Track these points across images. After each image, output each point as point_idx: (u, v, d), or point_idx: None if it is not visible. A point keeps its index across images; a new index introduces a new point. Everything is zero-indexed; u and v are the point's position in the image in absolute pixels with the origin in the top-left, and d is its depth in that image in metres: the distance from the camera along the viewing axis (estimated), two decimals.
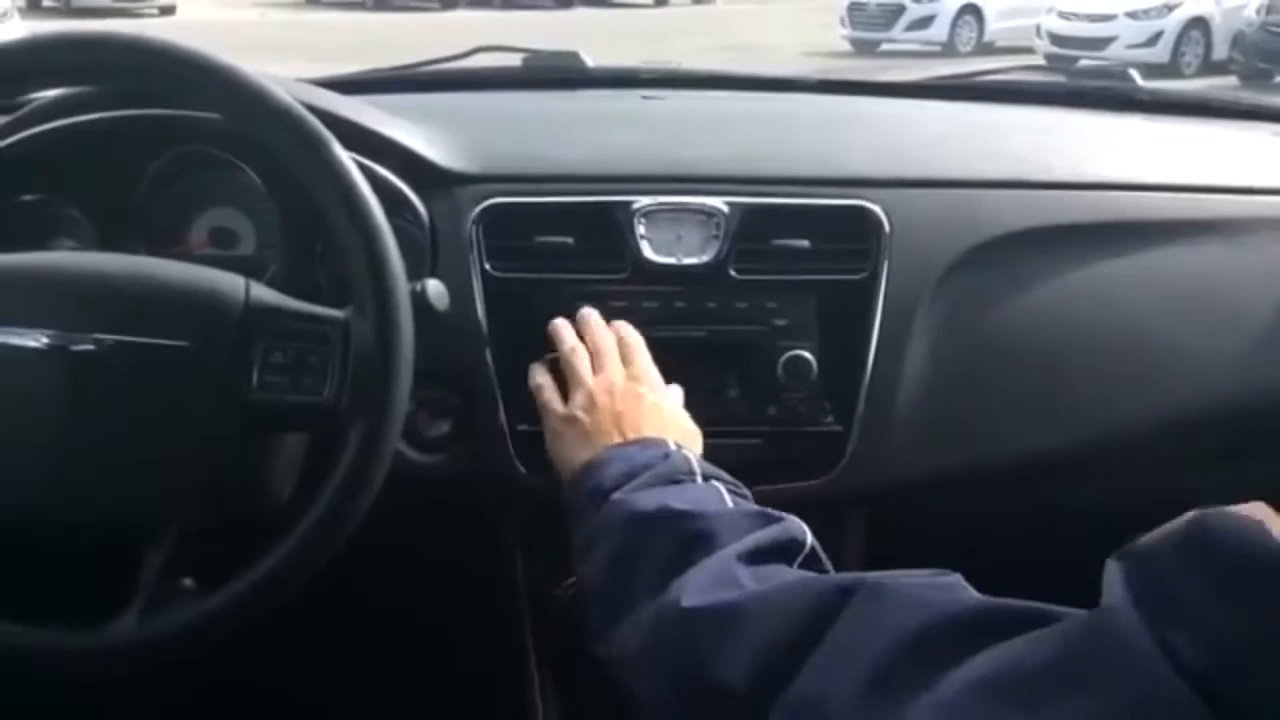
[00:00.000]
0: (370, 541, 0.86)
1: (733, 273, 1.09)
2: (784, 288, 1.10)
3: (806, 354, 1.07)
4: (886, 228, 1.10)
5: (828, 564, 0.75)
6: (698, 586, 0.70)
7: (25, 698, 1.05)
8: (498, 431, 1.09)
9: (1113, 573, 0.50)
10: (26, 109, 1.10)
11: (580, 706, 1.22)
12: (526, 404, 1.09)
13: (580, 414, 0.95)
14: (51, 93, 1.10)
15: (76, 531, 0.91)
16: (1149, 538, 0.51)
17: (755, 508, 0.81)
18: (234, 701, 1.37)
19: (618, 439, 0.91)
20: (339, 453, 0.86)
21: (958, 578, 0.64)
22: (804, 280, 1.10)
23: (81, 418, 0.86)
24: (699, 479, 0.84)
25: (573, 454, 0.94)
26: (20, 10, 12.22)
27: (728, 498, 0.81)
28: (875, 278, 1.09)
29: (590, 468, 0.89)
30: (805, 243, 1.10)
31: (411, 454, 1.07)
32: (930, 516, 1.15)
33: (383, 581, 1.20)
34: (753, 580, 0.69)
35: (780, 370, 1.08)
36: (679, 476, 0.84)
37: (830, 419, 1.10)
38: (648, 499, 0.80)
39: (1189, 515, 0.49)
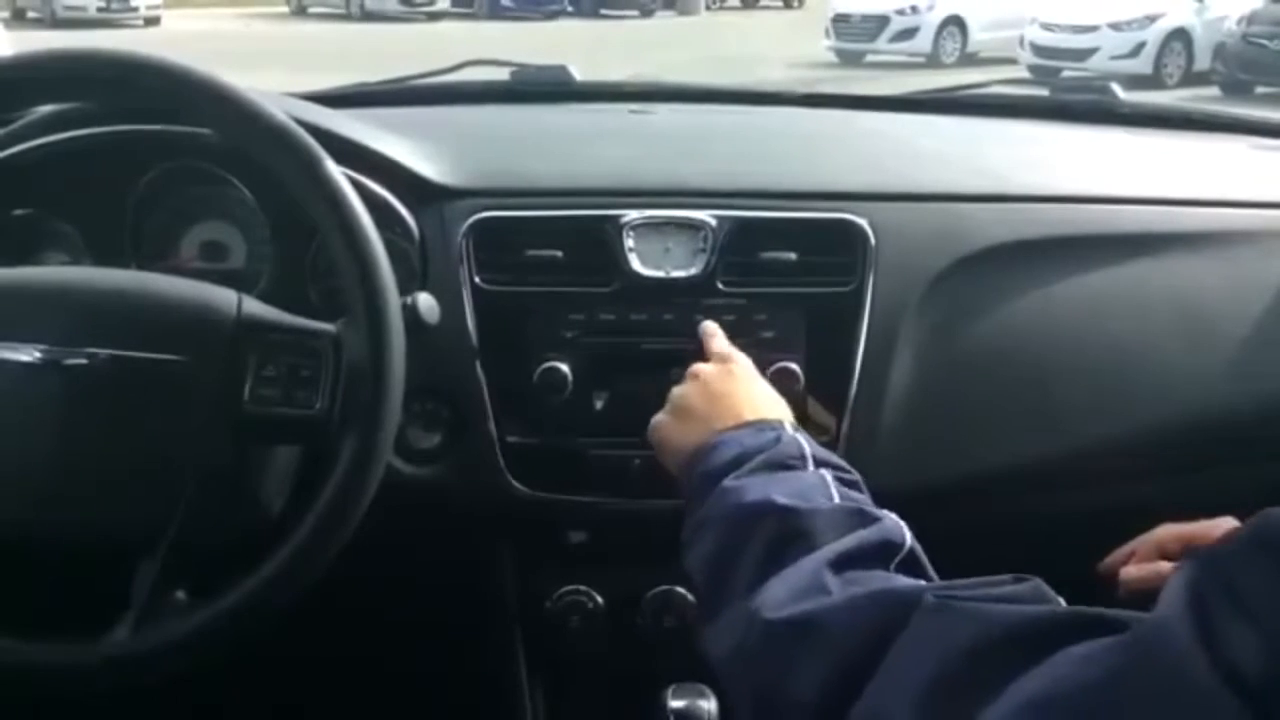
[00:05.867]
0: (362, 554, 0.87)
1: (720, 285, 1.10)
2: (771, 300, 1.11)
3: (794, 366, 1.08)
4: (872, 241, 1.11)
5: (926, 565, 0.74)
6: (784, 594, 0.69)
7: (26, 708, 1.05)
8: (488, 443, 1.09)
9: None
10: (18, 124, 1.11)
11: (571, 718, 1.23)
12: (517, 416, 1.10)
13: (677, 401, 0.94)
14: (43, 108, 1.10)
15: (70, 544, 0.91)
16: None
17: (858, 503, 0.78)
18: (224, 712, 1.37)
19: (719, 421, 0.88)
20: (331, 465, 0.86)
21: (1037, 583, 0.64)
22: (791, 293, 1.11)
23: (74, 431, 0.87)
24: (809, 465, 0.82)
25: (674, 439, 0.92)
26: (4, 21, 12.18)
27: (834, 489, 0.79)
28: (861, 291, 1.11)
29: (701, 452, 0.86)
30: (792, 256, 1.11)
31: (403, 466, 1.07)
32: (917, 527, 1.15)
33: (374, 594, 1.20)
34: (840, 587, 0.68)
35: (768, 382, 1.08)
36: (789, 462, 0.82)
37: (817, 430, 1.11)
38: (754, 489, 0.78)
39: (1259, 513, 0.48)
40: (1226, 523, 0.92)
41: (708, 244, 1.10)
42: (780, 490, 0.77)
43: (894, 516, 0.77)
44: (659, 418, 0.95)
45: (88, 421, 0.87)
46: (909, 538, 0.74)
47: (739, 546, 0.76)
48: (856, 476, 0.83)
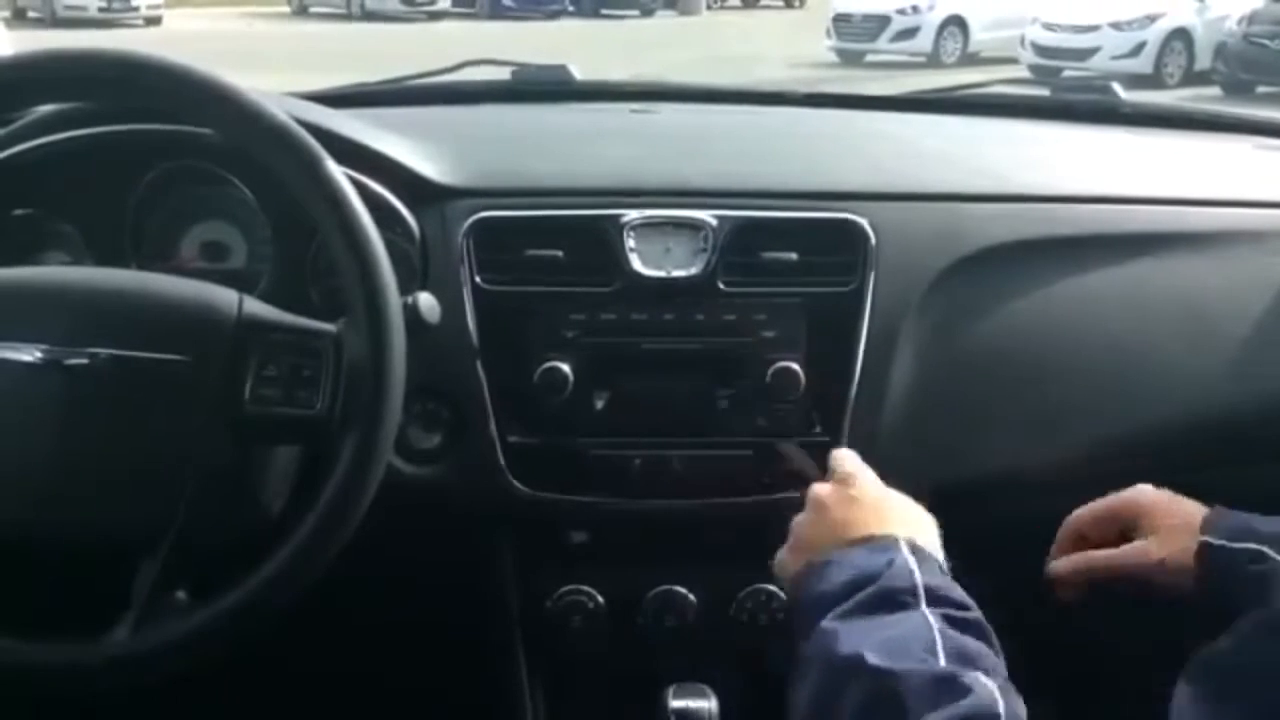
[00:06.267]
0: (362, 554, 0.87)
1: (721, 285, 1.10)
2: (772, 300, 1.11)
3: (794, 365, 1.08)
4: (873, 241, 1.11)
5: None
6: None
7: (26, 708, 1.05)
8: (489, 443, 1.09)
9: None
10: (18, 124, 1.11)
11: (572, 718, 1.23)
12: (517, 416, 1.10)
13: (795, 532, 0.89)
14: (43, 108, 1.10)
15: (70, 544, 0.91)
16: None
17: (954, 665, 0.71)
18: (224, 712, 1.37)
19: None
20: (331, 465, 0.86)
21: None
22: (792, 293, 1.11)
23: (76, 431, 0.87)
24: (920, 602, 0.76)
25: (789, 565, 0.88)
26: (5, 20, 12.18)
27: (939, 641, 0.73)
28: (862, 290, 1.11)
29: (811, 570, 0.82)
30: (793, 255, 1.11)
31: (403, 466, 1.07)
32: None
33: (374, 594, 1.20)
34: None
35: (768, 382, 1.09)
36: (899, 597, 0.76)
37: (818, 430, 1.11)
38: (850, 639, 0.74)
39: None
40: (1133, 492, 0.93)
41: (709, 244, 1.10)
42: (875, 645, 0.73)
43: (988, 684, 0.70)
44: (781, 555, 0.90)
45: (89, 421, 0.87)
46: (1000, 706, 0.68)
47: (834, 696, 0.73)
48: (973, 613, 0.77)
